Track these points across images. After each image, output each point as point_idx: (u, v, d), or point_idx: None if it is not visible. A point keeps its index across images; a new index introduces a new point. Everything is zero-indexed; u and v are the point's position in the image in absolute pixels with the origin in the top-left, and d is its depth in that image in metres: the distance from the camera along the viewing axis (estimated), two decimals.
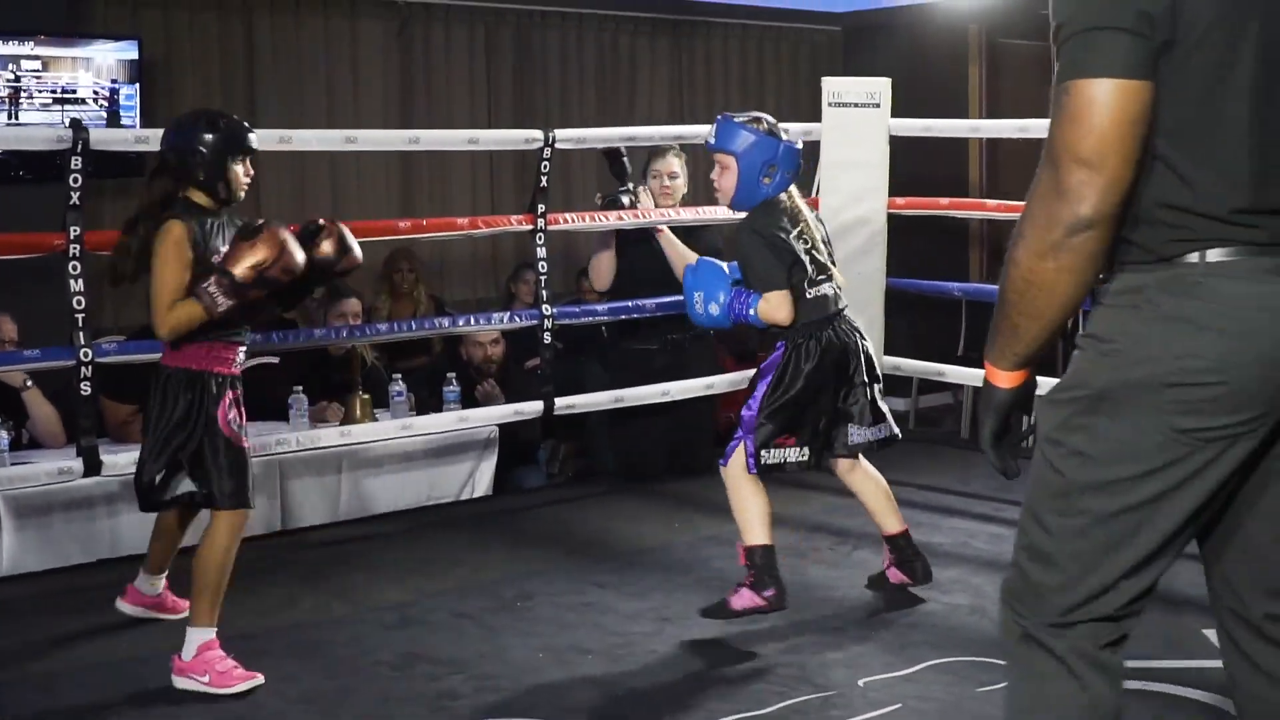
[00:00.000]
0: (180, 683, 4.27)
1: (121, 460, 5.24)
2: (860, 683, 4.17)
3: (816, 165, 7.02)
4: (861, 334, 4.84)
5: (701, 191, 7.47)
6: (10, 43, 6.76)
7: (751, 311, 4.69)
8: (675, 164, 6.73)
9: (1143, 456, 2.15)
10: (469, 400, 6.57)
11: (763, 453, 4.63)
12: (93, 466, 5.20)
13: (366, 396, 6.20)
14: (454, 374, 6.42)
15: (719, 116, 4.86)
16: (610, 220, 6.41)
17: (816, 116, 7.18)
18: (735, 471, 4.65)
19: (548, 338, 6.29)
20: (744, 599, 4.59)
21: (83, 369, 5.16)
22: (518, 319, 6.43)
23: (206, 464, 4.33)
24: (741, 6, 9.43)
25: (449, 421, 6.22)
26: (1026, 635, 2.27)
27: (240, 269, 4.24)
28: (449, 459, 6.40)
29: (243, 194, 4.48)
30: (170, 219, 4.30)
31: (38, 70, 6.85)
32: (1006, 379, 2.27)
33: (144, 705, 4.15)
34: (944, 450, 7.63)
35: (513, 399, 6.55)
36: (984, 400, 2.32)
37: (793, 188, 4.83)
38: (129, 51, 7.07)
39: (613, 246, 6.71)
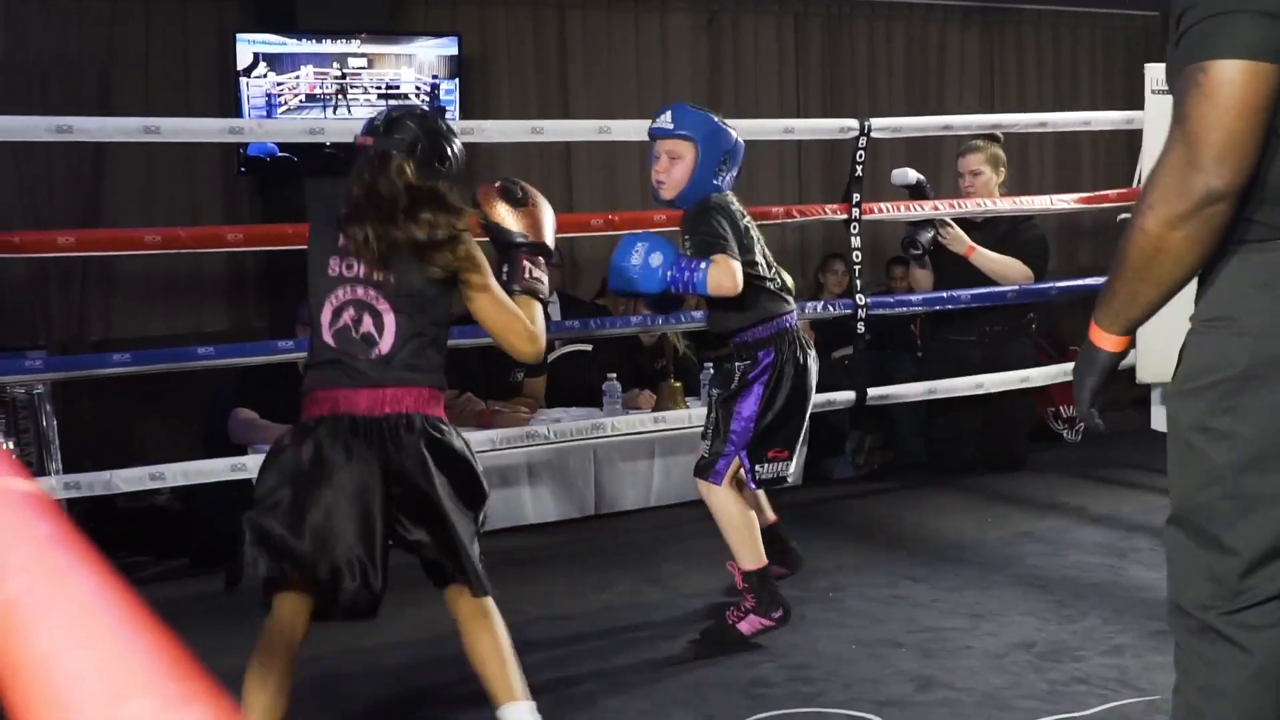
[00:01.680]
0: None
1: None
2: None
3: (1139, 155, 6.79)
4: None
5: (1017, 183, 7.33)
6: (338, 41, 7.04)
7: (699, 275, 4.17)
8: (974, 161, 6.58)
9: None
10: None
11: (758, 467, 4.50)
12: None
13: (678, 384, 6.26)
14: None
15: (671, 105, 4.47)
16: (925, 209, 6.33)
17: (1133, 105, 6.95)
18: (723, 490, 4.49)
19: (860, 327, 6.25)
20: (752, 624, 4.44)
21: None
22: (831, 308, 6.38)
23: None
24: None
25: None
26: (1205, 627, 2.29)
27: (549, 238, 3.54)
28: None
29: None
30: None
31: (363, 67, 7.12)
32: (1114, 343, 2.40)
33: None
34: None
35: (822, 389, 6.51)
36: (1087, 362, 2.44)
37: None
38: (449, 48, 7.29)
39: (929, 266, 6.65)
